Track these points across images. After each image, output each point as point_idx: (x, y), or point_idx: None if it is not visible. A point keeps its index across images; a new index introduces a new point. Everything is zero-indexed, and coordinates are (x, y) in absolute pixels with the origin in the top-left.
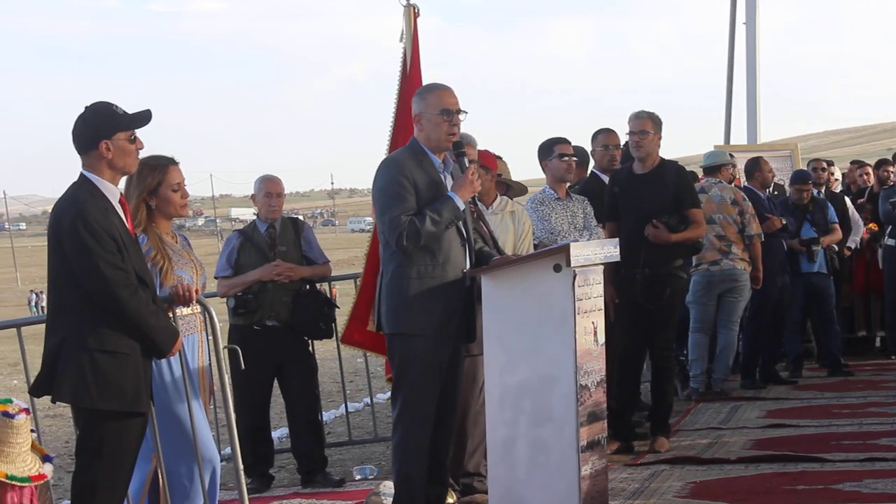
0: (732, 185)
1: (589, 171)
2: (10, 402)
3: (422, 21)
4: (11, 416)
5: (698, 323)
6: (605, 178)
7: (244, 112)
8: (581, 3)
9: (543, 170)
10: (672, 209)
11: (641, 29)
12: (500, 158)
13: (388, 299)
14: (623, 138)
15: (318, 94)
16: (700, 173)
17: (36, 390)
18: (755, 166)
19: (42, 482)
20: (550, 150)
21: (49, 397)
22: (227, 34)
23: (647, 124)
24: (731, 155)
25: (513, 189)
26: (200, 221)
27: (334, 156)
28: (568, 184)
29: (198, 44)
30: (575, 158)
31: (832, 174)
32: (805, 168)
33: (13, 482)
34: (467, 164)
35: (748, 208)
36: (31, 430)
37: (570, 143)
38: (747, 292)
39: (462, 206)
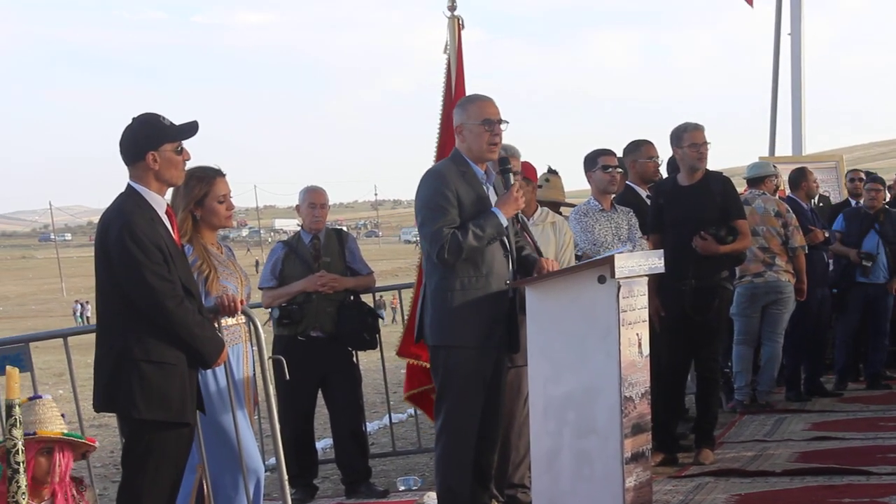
0: (777, 196)
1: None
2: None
3: (465, 33)
4: (39, 397)
5: (742, 335)
6: (640, 190)
7: (288, 123)
8: (625, 15)
9: (588, 181)
10: (719, 220)
11: (686, 40)
12: (555, 173)
13: (431, 311)
14: (662, 150)
15: (361, 105)
16: (742, 185)
17: (97, 405)
18: (800, 176)
19: (92, 446)
20: (594, 162)
21: (92, 406)
22: (271, 46)
23: (705, 135)
24: (774, 166)
25: (564, 206)
26: (245, 232)
27: (378, 167)
28: (612, 195)
29: (242, 55)
30: (620, 170)
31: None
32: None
33: (70, 438)
34: (512, 181)
35: (792, 220)
36: (62, 415)
37: (614, 154)
38: (792, 304)
39: (505, 223)
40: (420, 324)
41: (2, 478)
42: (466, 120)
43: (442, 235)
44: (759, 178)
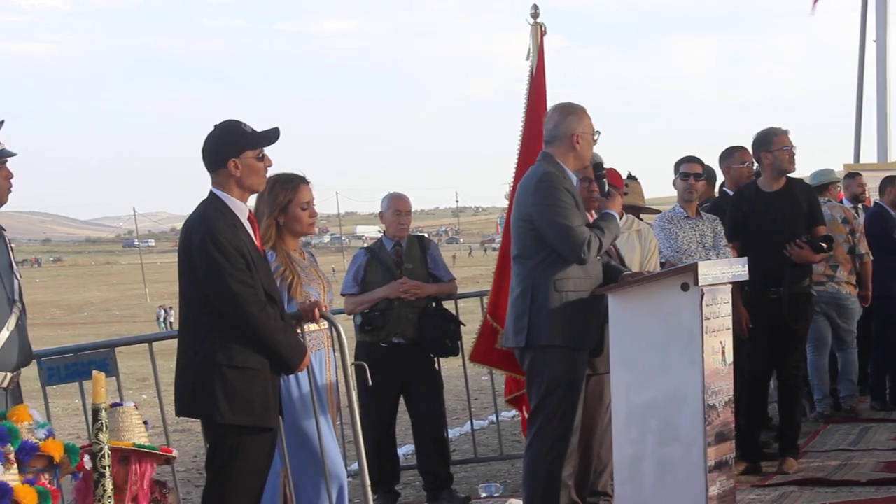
0: (861, 204)
1: (718, 190)
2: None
3: (547, 39)
4: (120, 404)
5: (812, 341)
6: None
7: (369, 130)
8: (706, 22)
9: (674, 187)
10: (806, 227)
11: (768, 47)
12: (635, 179)
13: (536, 313)
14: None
15: (442, 112)
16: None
17: (180, 410)
18: (890, 183)
19: (170, 456)
20: (677, 169)
21: (174, 411)
22: (353, 53)
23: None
24: (858, 173)
25: (644, 211)
26: (326, 239)
27: (459, 173)
28: (694, 202)
29: (324, 62)
30: (702, 177)
31: None
32: None
33: (140, 449)
34: (607, 185)
35: (858, 226)
36: (144, 422)
37: (697, 161)
38: (856, 313)
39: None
40: (519, 325)
41: (87, 481)
42: (584, 129)
43: (582, 234)
44: (824, 185)
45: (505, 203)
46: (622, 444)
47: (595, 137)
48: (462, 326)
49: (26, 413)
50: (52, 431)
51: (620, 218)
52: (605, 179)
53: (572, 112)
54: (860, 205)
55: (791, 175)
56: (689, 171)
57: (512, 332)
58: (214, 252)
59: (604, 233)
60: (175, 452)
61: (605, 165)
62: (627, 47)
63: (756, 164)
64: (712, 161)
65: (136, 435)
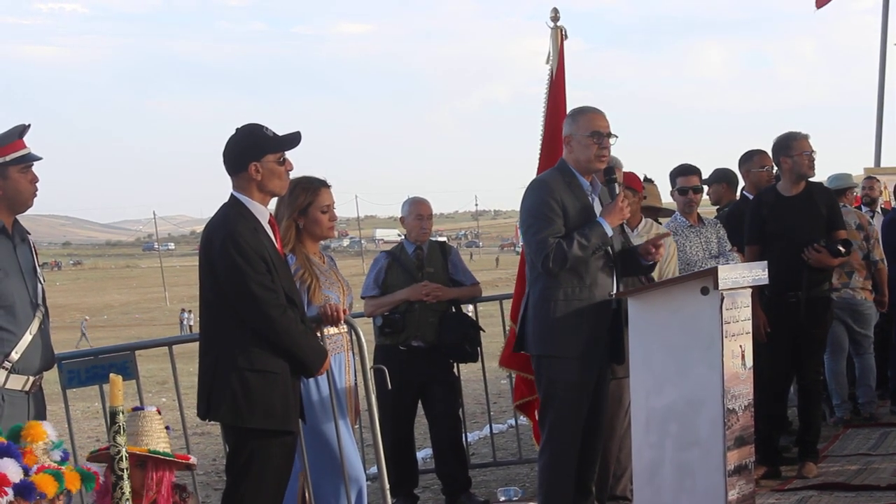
0: (879, 208)
1: (739, 193)
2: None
3: (565, 42)
4: (141, 408)
5: (828, 347)
6: None
7: (387, 133)
8: (725, 26)
9: (672, 197)
10: (825, 231)
11: (787, 50)
12: (651, 182)
13: (534, 321)
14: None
15: (461, 115)
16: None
17: (203, 414)
18: None
19: (187, 463)
20: (674, 181)
21: (196, 414)
22: (371, 56)
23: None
24: (872, 177)
25: (662, 213)
26: (345, 242)
27: (478, 177)
28: (695, 212)
29: (342, 65)
30: (700, 189)
31: None
32: None
33: (155, 455)
34: (617, 191)
35: (873, 232)
36: (167, 427)
37: (693, 173)
38: (872, 319)
39: (610, 233)
40: (521, 333)
41: (106, 486)
42: (575, 131)
43: (547, 244)
44: (839, 191)
45: None
46: (641, 449)
47: (596, 140)
48: (482, 331)
49: (41, 431)
50: (67, 453)
51: (639, 223)
52: (614, 185)
53: (571, 114)
54: (878, 209)
55: (811, 179)
56: (686, 185)
57: (519, 337)
58: (235, 256)
59: (573, 242)
60: (193, 460)
61: (624, 169)
62: (644, 50)
63: (776, 169)
64: (732, 164)
65: (156, 440)
